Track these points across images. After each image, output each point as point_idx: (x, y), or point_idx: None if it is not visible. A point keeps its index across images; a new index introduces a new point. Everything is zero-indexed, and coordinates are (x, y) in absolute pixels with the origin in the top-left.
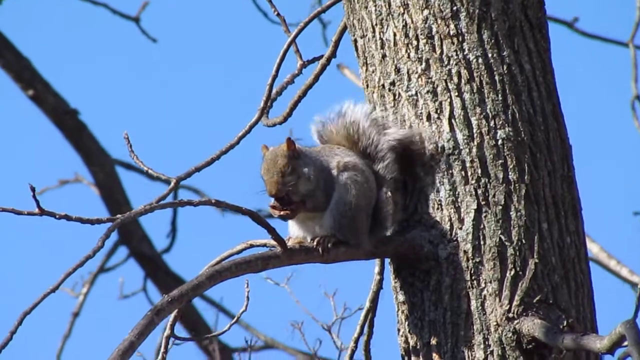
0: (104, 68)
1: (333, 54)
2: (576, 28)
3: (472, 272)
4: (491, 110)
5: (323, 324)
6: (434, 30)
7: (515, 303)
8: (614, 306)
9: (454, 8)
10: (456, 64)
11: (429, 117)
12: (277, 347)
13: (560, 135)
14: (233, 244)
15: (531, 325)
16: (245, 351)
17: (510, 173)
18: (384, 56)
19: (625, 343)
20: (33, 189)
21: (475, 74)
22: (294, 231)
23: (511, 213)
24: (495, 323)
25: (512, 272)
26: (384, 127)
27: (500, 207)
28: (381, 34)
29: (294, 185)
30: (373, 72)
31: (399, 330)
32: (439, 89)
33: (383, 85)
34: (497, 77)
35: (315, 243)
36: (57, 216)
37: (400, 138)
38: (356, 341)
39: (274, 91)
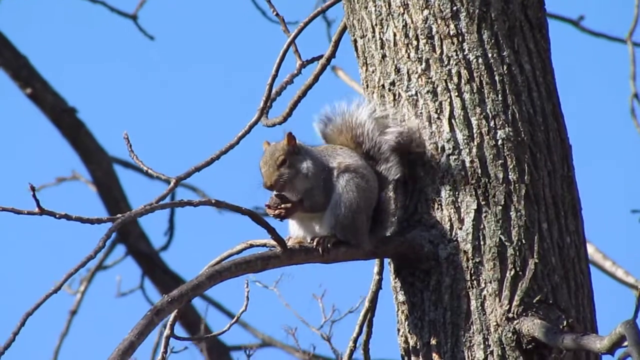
0: (102, 66)
1: (333, 54)
2: (582, 26)
3: (472, 272)
4: (491, 110)
5: (316, 330)
6: (434, 30)
7: (515, 303)
8: (611, 307)
9: (454, 8)
10: (456, 64)
11: (429, 117)
12: (274, 345)
13: (560, 135)
14: (232, 243)
15: (531, 326)
16: (243, 349)
17: (510, 173)
18: (384, 56)
19: (625, 343)
20: (33, 189)
21: (475, 74)
22: (294, 231)
23: (511, 213)
24: (495, 323)
25: (512, 272)
26: (385, 126)
27: (500, 207)
28: (381, 34)
29: (290, 180)
30: (373, 72)
31: (398, 330)
32: (439, 89)
33: (383, 86)
34: (497, 77)
35: (315, 243)
36: (57, 216)
37: (400, 135)
38: (355, 341)
39: (273, 91)
